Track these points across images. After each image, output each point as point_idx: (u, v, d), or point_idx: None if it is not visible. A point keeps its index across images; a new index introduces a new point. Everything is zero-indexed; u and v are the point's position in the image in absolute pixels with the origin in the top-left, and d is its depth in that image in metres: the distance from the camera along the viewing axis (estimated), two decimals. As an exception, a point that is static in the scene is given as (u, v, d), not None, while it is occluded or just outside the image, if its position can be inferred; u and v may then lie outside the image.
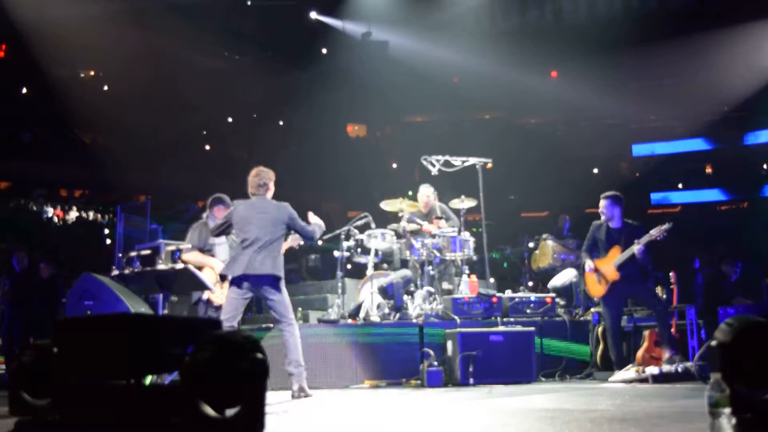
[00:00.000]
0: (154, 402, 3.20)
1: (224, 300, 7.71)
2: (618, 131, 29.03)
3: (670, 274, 9.40)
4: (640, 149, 29.32)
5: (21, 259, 12.01)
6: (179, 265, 7.26)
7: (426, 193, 10.55)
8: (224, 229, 7.49)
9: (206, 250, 8.22)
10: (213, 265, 8.01)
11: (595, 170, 29.14)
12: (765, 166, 25.90)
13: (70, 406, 3.30)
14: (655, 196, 28.09)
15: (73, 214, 25.31)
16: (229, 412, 3.06)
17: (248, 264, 7.08)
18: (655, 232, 8.23)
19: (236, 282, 7.17)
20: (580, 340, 9.28)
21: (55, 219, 24.93)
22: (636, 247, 8.26)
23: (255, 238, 7.17)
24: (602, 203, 8.70)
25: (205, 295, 8.00)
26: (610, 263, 8.48)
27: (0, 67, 26.21)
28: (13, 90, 24.79)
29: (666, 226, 8.20)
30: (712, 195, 27.28)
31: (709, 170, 28.64)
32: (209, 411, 3.02)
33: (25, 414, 3.46)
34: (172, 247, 8.02)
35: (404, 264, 10.08)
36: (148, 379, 3.86)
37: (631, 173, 30.04)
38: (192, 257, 7.94)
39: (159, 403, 3.18)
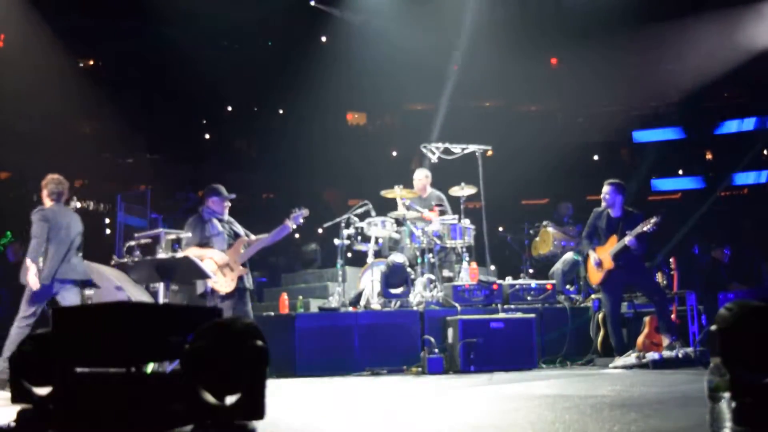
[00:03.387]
0: (155, 390, 3.21)
1: (228, 288, 7.79)
2: (618, 118, 29.01)
3: (671, 260, 9.41)
4: (640, 135, 29.30)
5: (17, 250, 11.95)
6: (179, 254, 7.28)
7: (419, 177, 10.57)
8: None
9: (203, 243, 8.19)
10: (211, 255, 8.01)
11: (596, 157, 29.12)
12: (765, 152, 25.87)
13: (71, 394, 3.31)
14: (656, 183, 28.09)
15: (73, 204, 25.31)
16: (230, 399, 3.07)
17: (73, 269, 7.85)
18: (644, 226, 8.22)
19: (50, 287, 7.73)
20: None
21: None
22: (628, 239, 8.27)
23: (69, 243, 7.86)
24: (606, 189, 8.68)
25: (209, 284, 8.01)
26: (607, 251, 8.50)
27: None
28: (12, 79, 24.71)
29: (654, 219, 8.18)
30: (712, 181, 27.27)
31: (709, 156, 28.63)
32: (210, 398, 3.03)
33: (26, 403, 3.47)
34: (172, 236, 8.04)
35: (402, 251, 10.01)
36: (150, 368, 3.87)
37: (632, 160, 30.03)
38: (189, 252, 7.98)
39: (159, 391, 3.19)
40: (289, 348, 8.69)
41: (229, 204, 8.48)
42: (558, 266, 10.52)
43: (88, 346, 3.37)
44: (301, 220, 8.54)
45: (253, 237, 8.42)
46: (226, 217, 8.46)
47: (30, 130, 25.50)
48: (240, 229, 8.45)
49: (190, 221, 8.41)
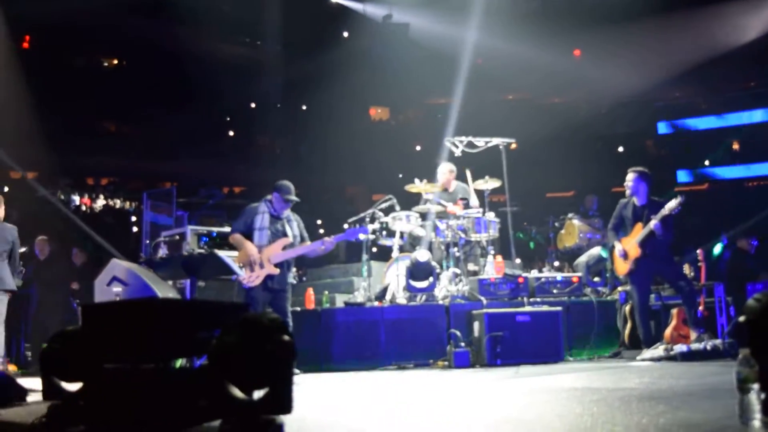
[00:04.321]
0: (183, 385, 3.23)
1: (252, 283, 7.82)
2: (643, 109, 28.81)
3: (698, 251, 9.34)
4: (665, 126, 29.09)
5: (42, 246, 11.96)
6: (205, 250, 7.33)
7: (443, 171, 10.55)
8: None
9: (246, 232, 8.19)
10: (246, 248, 8.01)
11: (621, 149, 28.96)
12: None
13: (101, 390, 3.34)
14: (682, 174, 27.88)
15: (100, 203, 25.54)
16: (257, 394, 3.08)
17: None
18: (670, 207, 8.16)
19: None
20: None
21: (83, 207, 25.18)
22: (653, 223, 8.20)
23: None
24: (629, 176, 8.61)
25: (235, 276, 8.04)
26: (633, 240, 8.43)
27: (24, 57, 26.41)
28: (37, 80, 24.97)
29: (679, 199, 8.12)
30: (739, 171, 27.04)
31: (736, 146, 28.36)
32: (237, 393, 3.05)
33: (57, 398, 3.51)
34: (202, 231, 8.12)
35: (429, 247, 10.01)
36: (178, 363, 3.90)
37: (657, 151, 29.83)
38: (234, 240, 8.11)
39: (187, 386, 3.21)
40: (315, 343, 8.73)
41: (290, 204, 8.36)
42: (583, 259, 10.46)
43: (117, 342, 3.41)
44: (361, 237, 8.56)
45: (307, 242, 8.38)
46: (286, 214, 8.35)
47: (56, 129, 25.71)
48: (291, 231, 8.27)
49: (247, 208, 8.41)
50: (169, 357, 3.40)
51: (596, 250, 10.36)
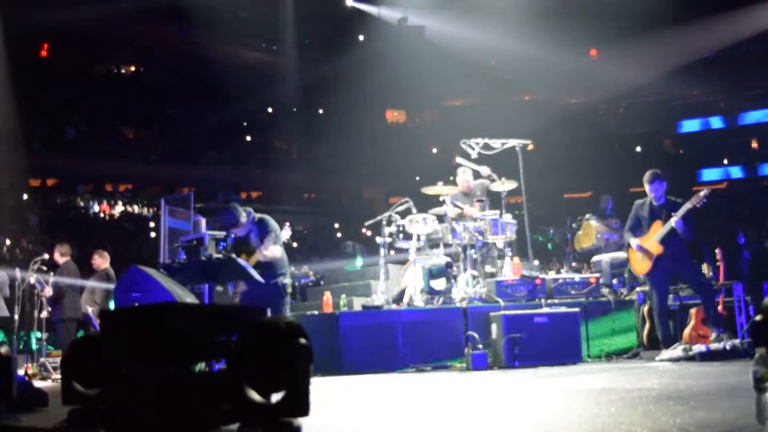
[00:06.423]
0: (202, 389, 3.26)
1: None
2: (660, 108, 28.71)
3: (716, 250, 9.29)
4: (683, 126, 28.99)
5: (61, 252, 11.94)
6: (223, 255, 7.36)
7: (462, 177, 10.55)
8: None
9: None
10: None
11: (638, 148, 28.87)
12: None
13: (120, 394, 3.38)
14: (700, 173, 27.76)
15: (118, 209, 25.70)
16: (275, 397, 3.11)
17: None
18: (694, 200, 8.12)
19: None
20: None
21: (102, 214, 25.35)
22: (674, 220, 8.16)
23: None
24: (651, 186, 8.50)
25: None
26: (653, 237, 8.38)
27: (42, 65, 26.66)
28: (55, 87, 25.18)
29: (703, 192, 8.08)
30: (759, 170, 26.85)
31: (755, 145, 28.20)
32: (255, 397, 3.07)
33: (77, 403, 3.55)
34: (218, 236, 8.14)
35: (447, 247, 10.02)
36: (197, 368, 3.93)
37: (676, 150, 29.71)
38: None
39: (206, 390, 3.24)
40: (333, 346, 8.74)
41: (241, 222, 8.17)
42: (606, 259, 10.38)
43: (136, 346, 3.44)
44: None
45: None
46: (248, 228, 8.21)
47: (76, 136, 25.91)
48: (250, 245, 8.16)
49: None
50: (188, 361, 3.43)
51: (623, 255, 10.23)
